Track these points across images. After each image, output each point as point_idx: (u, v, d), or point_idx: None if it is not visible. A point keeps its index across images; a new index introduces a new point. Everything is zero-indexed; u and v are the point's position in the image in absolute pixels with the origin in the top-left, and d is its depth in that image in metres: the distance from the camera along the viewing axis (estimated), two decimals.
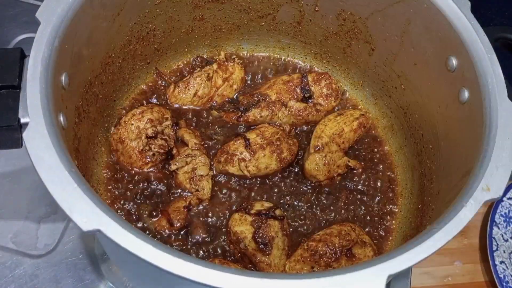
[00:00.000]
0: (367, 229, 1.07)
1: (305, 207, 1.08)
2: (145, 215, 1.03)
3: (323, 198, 1.09)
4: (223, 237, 1.02)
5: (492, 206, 1.29)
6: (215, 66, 1.18)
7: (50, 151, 0.67)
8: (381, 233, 1.08)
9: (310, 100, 1.17)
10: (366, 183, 1.13)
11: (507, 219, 1.30)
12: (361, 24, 1.12)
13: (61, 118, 0.79)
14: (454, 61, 0.92)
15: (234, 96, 1.20)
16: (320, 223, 1.06)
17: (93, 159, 1.05)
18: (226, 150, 1.07)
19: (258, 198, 1.07)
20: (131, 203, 1.04)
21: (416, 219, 1.04)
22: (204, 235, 1.02)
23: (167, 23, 1.13)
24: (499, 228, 1.27)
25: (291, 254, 1.00)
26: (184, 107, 1.17)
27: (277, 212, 1.01)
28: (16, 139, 0.75)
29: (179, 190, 1.05)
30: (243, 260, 0.99)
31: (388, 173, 1.16)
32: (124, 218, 0.94)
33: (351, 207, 1.09)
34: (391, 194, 1.13)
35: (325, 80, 1.18)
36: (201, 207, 1.05)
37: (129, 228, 0.63)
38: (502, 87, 0.84)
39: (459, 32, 0.90)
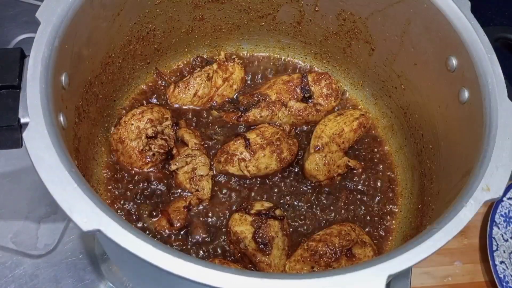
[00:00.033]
0: (367, 229, 1.07)
1: (305, 207, 1.08)
2: (145, 215, 1.03)
3: (323, 198, 1.09)
4: (223, 237, 1.02)
5: (492, 206, 1.29)
6: (215, 66, 1.18)
7: (50, 151, 0.67)
8: (381, 233, 1.08)
9: (310, 100, 1.17)
10: (366, 183, 1.13)
11: (507, 219, 1.30)
12: (361, 24, 1.12)
13: (61, 118, 0.79)
14: (454, 61, 0.92)
15: (234, 96, 1.20)
16: (320, 223, 1.06)
17: (93, 159, 1.05)
18: (226, 150, 1.07)
19: (258, 198, 1.07)
20: (131, 203, 1.04)
21: (416, 219, 1.04)
22: (204, 235, 1.02)
23: (167, 23, 1.13)
24: (499, 228, 1.27)
25: (291, 254, 1.00)
26: (184, 107, 1.17)
27: (277, 212, 1.01)
28: (16, 139, 0.75)
29: (179, 190, 1.05)
30: (243, 260, 0.99)
31: (388, 173, 1.16)
32: (124, 218, 0.94)
33: (351, 207, 1.09)
34: (391, 194, 1.13)
35: (325, 80, 1.18)
36: (201, 207, 1.05)
37: (129, 228, 0.63)
38: (502, 87, 0.84)
39: (459, 32, 0.90)
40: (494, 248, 1.24)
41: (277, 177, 1.10)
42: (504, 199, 1.31)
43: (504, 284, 1.19)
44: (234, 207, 1.05)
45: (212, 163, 1.09)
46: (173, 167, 1.05)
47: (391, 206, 1.11)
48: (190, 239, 1.01)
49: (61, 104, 0.81)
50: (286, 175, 1.11)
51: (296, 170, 1.11)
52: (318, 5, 1.14)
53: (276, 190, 1.09)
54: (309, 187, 1.10)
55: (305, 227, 1.06)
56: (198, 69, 1.18)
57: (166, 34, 1.16)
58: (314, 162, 1.07)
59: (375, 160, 1.17)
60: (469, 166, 0.80)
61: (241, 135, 1.09)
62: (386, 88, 1.18)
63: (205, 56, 1.25)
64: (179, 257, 0.61)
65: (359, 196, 1.11)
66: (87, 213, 0.64)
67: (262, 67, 1.27)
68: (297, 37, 1.24)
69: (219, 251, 1.01)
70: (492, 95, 0.83)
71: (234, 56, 1.24)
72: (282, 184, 1.10)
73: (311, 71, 1.27)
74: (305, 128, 1.18)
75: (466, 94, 0.89)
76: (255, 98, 1.16)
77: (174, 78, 1.22)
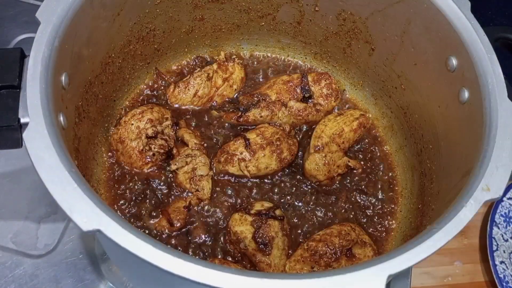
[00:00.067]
0: (367, 229, 1.07)
1: (305, 207, 1.08)
2: (145, 215, 1.03)
3: (323, 198, 1.09)
4: (223, 237, 1.02)
5: (492, 206, 1.29)
6: (215, 66, 1.18)
7: (50, 151, 0.67)
8: (381, 233, 1.08)
9: (310, 100, 1.17)
10: (366, 183, 1.13)
11: (507, 219, 1.30)
12: (361, 24, 1.12)
13: (61, 118, 0.79)
14: (454, 61, 0.92)
15: (234, 96, 1.20)
16: (320, 223, 1.06)
17: (93, 159, 1.05)
18: (226, 150, 1.07)
19: (258, 198, 1.07)
20: (131, 203, 1.04)
21: (416, 219, 1.04)
22: (204, 235, 1.01)
23: (167, 23, 1.13)
24: (499, 228, 1.27)
25: (291, 254, 1.00)
26: (184, 107, 1.17)
27: (277, 212, 1.01)
28: (16, 139, 0.75)
29: (179, 190, 1.05)
30: (243, 260, 0.99)
31: (388, 173, 1.16)
32: (124, 218, 0.94)
33: (351, 207, 1.09)
34: (391, 194, 1.13)
35: (325, 80, 1.18)
36: (201, 207, 1.05)
37: (129, 228, 0.63)
38: (502, 87, 0.84)
39: (459, 32, 0.90)
40: (494, 248, 1.24)
41: (277, 177, 1.10)
42: (504, 199, 1.31)
43: (504, 284, 1.19)
44: (234, 207, 1.05)
45: (212, 163, 1.09)
46: (173, 167, 1.05)
47: (391, 206, 1.11)
48: (190, 239, 1.01)
49: (61, 104, 0.81)
50: (286, 175, 1.11)
51: (296, 170, 1.11)
52: (318, 5, 1.14)
53: (276, 190, 1.09)
54: (309, 187, 1.10)
55: (305, 227, 1.06)
56: (198, 69, 1.18)
57: (166, 34, 1.16)
58: (314, 162, 1.07)
59: (375, 160, 1.17)
60: (469, 166, 0.80)
61: (241, 135, 1.09)
62: (386, 88, 1.18)
63: (205, 56, 1.25)
64: (179, 257, 0.61)
65: (359, 196, 1.11)
66: (87, 213, 0.64)
67: (262, 67, 1.27)
68: (297, 37, 1.24)
69: (219, 251, 1.01)
70: (492, 95, 0.83)
71: (234, 56, 1.24)
72: (282, 184, 1.10)
73: (311, 71, 1.27)
74: (305, 128, 1.18)
75: (466, 94, 0.89)
76: (255, 98, 1.16)
77: (174, 78, 1.22)
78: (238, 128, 1.15)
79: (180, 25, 1.16)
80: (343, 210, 1.08)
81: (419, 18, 0.98)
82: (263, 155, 1.06)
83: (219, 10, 1.17)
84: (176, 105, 1.16)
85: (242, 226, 0.98)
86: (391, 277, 0.65)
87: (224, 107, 1.18)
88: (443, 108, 0.98)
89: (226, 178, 1.09)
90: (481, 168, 0.77)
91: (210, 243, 1.01)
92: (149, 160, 1.06)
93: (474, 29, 0.89)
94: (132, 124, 1.06)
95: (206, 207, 1.05)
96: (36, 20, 0.78)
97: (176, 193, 1.05)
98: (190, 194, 1.05)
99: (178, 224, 1.01)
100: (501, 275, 1.20)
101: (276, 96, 1.16)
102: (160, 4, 1.08)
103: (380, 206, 1.11)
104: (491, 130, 0.80)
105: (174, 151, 1.08)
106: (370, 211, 1.10)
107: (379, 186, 1.13)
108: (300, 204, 1.08)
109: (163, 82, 1.20)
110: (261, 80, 1.24)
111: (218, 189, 1.07)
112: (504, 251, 1.25)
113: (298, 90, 1.16)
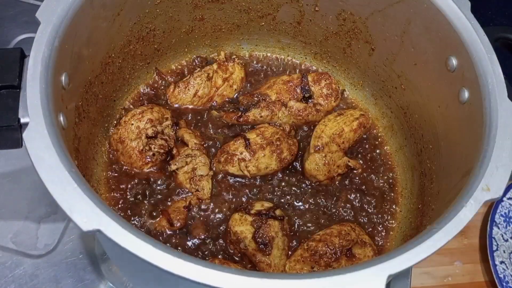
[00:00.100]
0: (367, 229, 1.07)
1: (305, 207, 1.08)
2: (145, 215, 1.03)
3: (323, 198, 1.09)
4: (223, 237, 1.02)
5: (492, 206, 1.29)
6: (215, 66, 1.18)
7: (50, 151, 0.67)
8: (381, 233, 1.08)
9: (310, 100, 1.17)
10: (366, 183, 1.13)
11: (507, 219, 1.30)
12: (361, 24, 1.12)
13: (61, 118, 0.79)
14: (454, 61, 0.92)
15: (234, 96, 1.20)
16: (320, 223, 1.06)
17: (93, 159, 1.05)
18: (226, 150, 1.07)
19: (258, 198, 1.07)
20: (131, 203, 1.04)
21: (416, 219, 1.04)
22: (204, 235, 1.01)
23: (167, 23, 1.13)
24: (499, 228, 1.27)
25: (291, 254, 1.00)
26: (184, 107, 1.16)
27: (277, 212, 1.01)
28: (16, 139, 0.75)
29: (179, 190, 1.05)
30: (243, 260, 0.99)
31: (388, 173, 1.16)
32: (124, 218, 0.94)
33: (351, 207, 1.09)
34: (391, 194, 1.13)
35: (325, 80, 1.18)
36: (201, 207, 1.05)
37: (129, 228, 0.63)
38: (502, 87, 0.84)
39: (459, 32, 0.90)
40: (494, 248, 1.24)
41: (277, 177, 1.10)
42: (504, 199, 1.31)
43: (504, 284, 1.20)
44: (234, 207, 1.05)
45: (212, 163, 1.09)
46: (173, 167, 1.05)
47: (391, 206, 1.11)
48: (190, 239, 1.01)
49: (61, 104, 0.81)
50: (286, 175, 1.11)
51: (296, 170, 1.11)
52: (318, 5, 1.14)
53: (276, 190, 1.09)
54: (309, 187, 1.10)
55: (305, 227, 1.06)
56: (198, 69, 1.18)
57: (166, 34, 1.16)
58: (314, 162, 1.07)
59: (375, 160, 1.17)
60: (469, 166, 0.80)
61: (241, 135, 1.09)
62: (386, 88, 1.18)
63: (205, 56, 1.25)
64: (179, 257, 0.61)
65: (359, 196, 1.11)
66: (87, 213, 0.64)
67: (262, 67, 1.27)
68: (297, 37, 1.24)
69: (219, 251, 1.01)
70: (492, 95, 0.83)
71: (234, 56, 1.24)
72: (282, 184, 1.10)
73: (311, 71, 1.27)
74: (305, 128, 1.18)
75: (466, 94, 0.89)
76: (255, 98, 1.16)
77: (174, 78, 1.22)
78: (238, 128, 1.15)
79: (180, 25, 1.16)
80: (343, 210, 1.08)
81: (419, 18, 0.98)
82: (263, 155, 1.06)
83: (219, 10, 1.17)
84: (176, 105, 1.16)
85: (242, 226, 0.98)
86: (391, 277, 0.65)
87: (224, 107, 1.18)
88: (443, 108, 0.98)
89: (226, 178, 1.09)
90: (481, 168, 0.77)
91: (210, 243, 1.01)
92: (149, 160, 1.06)
93: (474, 29, 0.89)
94: (132, 124, 1.06)
95: (206, 207, 1.05)
96: (36, 20, 0.78)
97: (176, 193, 1.05)
98: (190, 194, 1.05)
99: (178, 224, 1.01)
100: (501, 275, 1.20)
101: (276, 96, 1.16)
102: (160, 4, 1.08)
103: (380, 206, 1.11)
104: (491, 130, 0.80)
105: (174, 151, 1.08)
106: (370, 211, 1.10)
107: (379, 186, 1.13)
108: (300, 204, 1.08)
109: (163, 82, 1.20)
110: (261, 80, 1.24)
111: (218, 189, 1.07)
112: (504, 251, 1.25)
113: (298, 90, 1.16)
